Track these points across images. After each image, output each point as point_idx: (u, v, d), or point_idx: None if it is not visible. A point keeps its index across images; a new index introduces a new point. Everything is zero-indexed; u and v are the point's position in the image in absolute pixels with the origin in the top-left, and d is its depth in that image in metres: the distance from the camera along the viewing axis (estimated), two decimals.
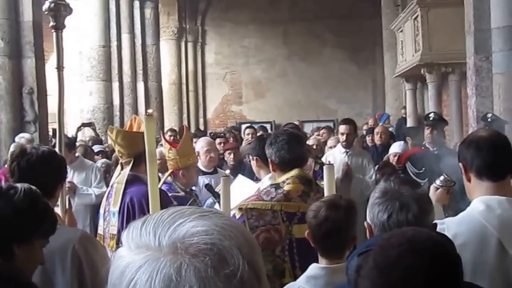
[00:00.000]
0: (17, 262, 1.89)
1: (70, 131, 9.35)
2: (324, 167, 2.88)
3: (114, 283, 0.77)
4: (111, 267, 0.80)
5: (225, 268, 0.74)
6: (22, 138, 5.89)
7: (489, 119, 5.36)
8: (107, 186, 5.64)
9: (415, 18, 9.91)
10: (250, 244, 0.81)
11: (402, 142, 7.01)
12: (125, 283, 0.75)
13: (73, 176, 5.60)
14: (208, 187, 4.22)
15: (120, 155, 3.53)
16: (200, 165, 4.98)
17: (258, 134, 7.77)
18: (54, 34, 3.27)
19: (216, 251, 0.75)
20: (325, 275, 2.22)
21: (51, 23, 3.27)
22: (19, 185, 1.98)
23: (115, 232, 3.34)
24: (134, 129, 3.52)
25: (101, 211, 3.60)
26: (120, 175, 3.46)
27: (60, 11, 3.26)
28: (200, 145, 5.16)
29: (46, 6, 3.27)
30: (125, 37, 10.56)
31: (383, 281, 1.23)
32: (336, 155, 6.00)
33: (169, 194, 3.71)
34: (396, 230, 1.39)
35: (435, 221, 2.01)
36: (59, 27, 3.27)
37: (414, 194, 1.86)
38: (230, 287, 0.74)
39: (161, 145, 4.66)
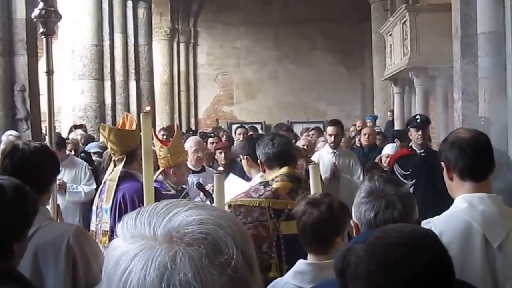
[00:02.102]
0: (13, 259, 1.88)
1: (63, 130, 9.36)
2: (309, 166, 2.90)
3: (109, 272, 0.77)
4: (106, 257, 0.79)
5: (219, 257, 0.75)
6: (9, 135, 5.84)
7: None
8: (97, 184, 5.70)
9: (404, 23, 10.00)
10: (243, 234, 0.82)
11: (394, 144, 7.14)
12: (120, 271, 0.75)
13: (63, 174, 5.63)
14: (199, 186, 4.28)
15: (112, 152, 3.54)
16: (188, 164, 5.04)
17: (249, 134, 7.83)
18: (44, 40, 3.28)
19: (210, 240, 0.76)
20: (311, 271, 2.23)
21: (41, 30, 3.29)
22: (4, 181, 1.91)
23: (107, 229, 3.35)
24: (127, 127, 3.54)
25: (94, 208, 3.60)
26: (113, 172, 3.48)
27: (50, 18, 3.28)
28: (188, 144, 5.20)
29: (36, 13, 3.29)
30: (118, 37, 10.52)
31: (390, 283, 1.23)
32: (323, 156, 6.07)
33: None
34: (387, 228, 1.38)
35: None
36: (49, 33, 3.29)
37: (398, 193, 1.94)
38: (224, 275, 0.74)
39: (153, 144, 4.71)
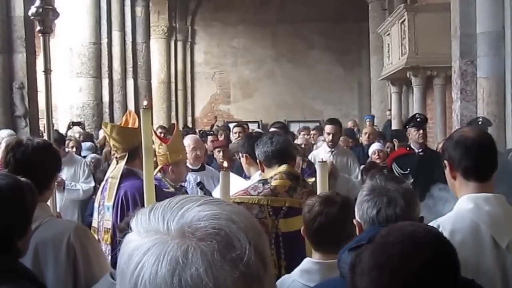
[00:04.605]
0: (19, 256, 1.91)
1: (60, 128, 9.34)
2: (318, 164, 2.88)
3: (122, 267, 0.77)
4: (120, 251, 0.79)
5: (231, 252, 0.75)
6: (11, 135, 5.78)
7: (479, 123, 5.49)
8: (96, 182, 5.68)
9: (402, 22, 10.02)
10: (256, 230, 0.81)
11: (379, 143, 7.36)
12: (133, 266, 0.75)
13: (62, 171, 5.60)
14: (200, 185, 4.28)
15: (115, 149, 3.53)
16: (187, 162, 5.03)
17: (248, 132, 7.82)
18: (41, 38, 3.27)
19: (223, 235, 0.75)
20: (319, 270, 2.22)
21: (38, 28, 3.27)
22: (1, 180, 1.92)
23: (109, 227, 3.34)
24: (130, 124, 3.53)
25: (96, 205, 3.58)
26: (115, 170, 3.46)
27: (48, 16, 3.27)
28: (187, 142, 5.19)
29: (33, 10, 3.27)
30: (116, 35, 10.52)
31: (387, 280, 1.23)
32: (320, 155, 6.06)
33: None
34: (392, 226, 1.38)
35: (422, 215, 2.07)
36: (46, 31, 3.28)
37: (400, 189, 1.93)
38: (236, 271, 0.74)
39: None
